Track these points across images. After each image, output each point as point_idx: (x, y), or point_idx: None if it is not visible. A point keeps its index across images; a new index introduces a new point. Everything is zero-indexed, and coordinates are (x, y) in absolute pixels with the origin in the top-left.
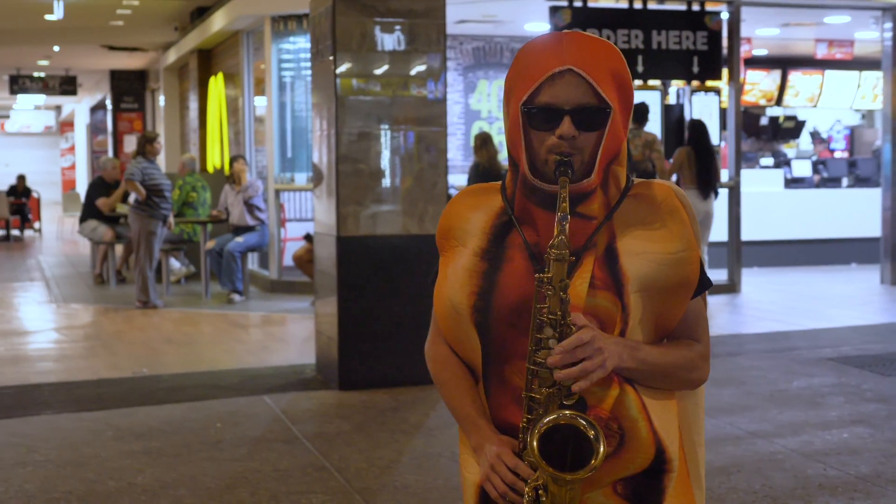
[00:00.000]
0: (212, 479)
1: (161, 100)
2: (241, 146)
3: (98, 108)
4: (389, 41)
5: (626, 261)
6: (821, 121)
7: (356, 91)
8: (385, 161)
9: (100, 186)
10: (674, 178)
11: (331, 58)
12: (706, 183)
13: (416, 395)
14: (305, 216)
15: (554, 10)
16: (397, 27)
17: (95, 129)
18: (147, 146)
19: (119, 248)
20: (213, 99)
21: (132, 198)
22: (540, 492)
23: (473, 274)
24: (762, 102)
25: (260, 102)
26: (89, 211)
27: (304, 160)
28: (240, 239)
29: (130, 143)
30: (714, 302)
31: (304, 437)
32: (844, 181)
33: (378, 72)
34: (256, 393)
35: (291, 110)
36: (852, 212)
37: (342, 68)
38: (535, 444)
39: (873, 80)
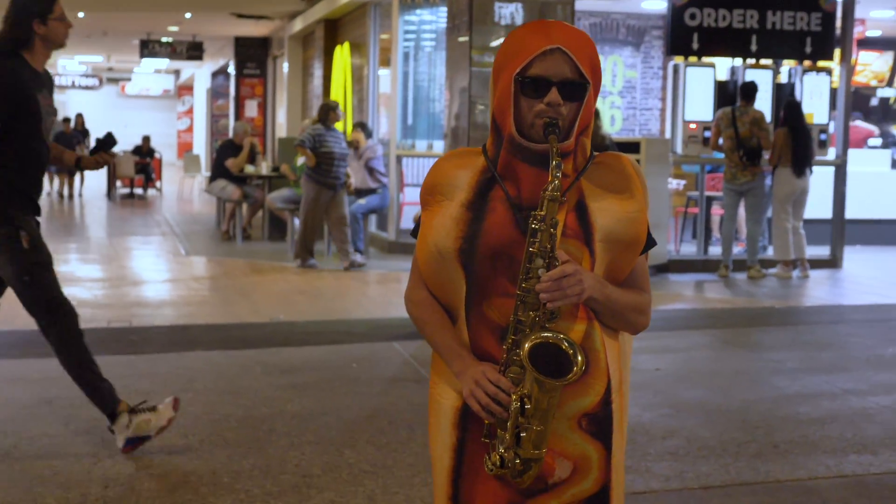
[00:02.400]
0: (354, 410)
1: (285, 67)
2: (364, 113)
3: (219, 73)
4: (520, 18)
5: (594, 214)
6: None
7: (488, 64)
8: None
9: (230, 148)
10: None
11: (466, 33)
12: (802, 161)
13: None
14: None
15: None
16: (528, 5)
17: (216, 94)
18: (330, 113)
19: (245, 207)
20: (337, 67)
21: (301, 161)
22: (525, 399)
23: (460, 222)
24: (873, 83)
25: (384, 72)
26: (219, 171)
27: (424, 128)
28: (362, 201)
29: (251, 108)
30: (816, 276)
31: None
32: None
33: None
34: (386, 340)
35: (414, 80)
36: None
37: (477, 42)
38: (526, 349)
39: None
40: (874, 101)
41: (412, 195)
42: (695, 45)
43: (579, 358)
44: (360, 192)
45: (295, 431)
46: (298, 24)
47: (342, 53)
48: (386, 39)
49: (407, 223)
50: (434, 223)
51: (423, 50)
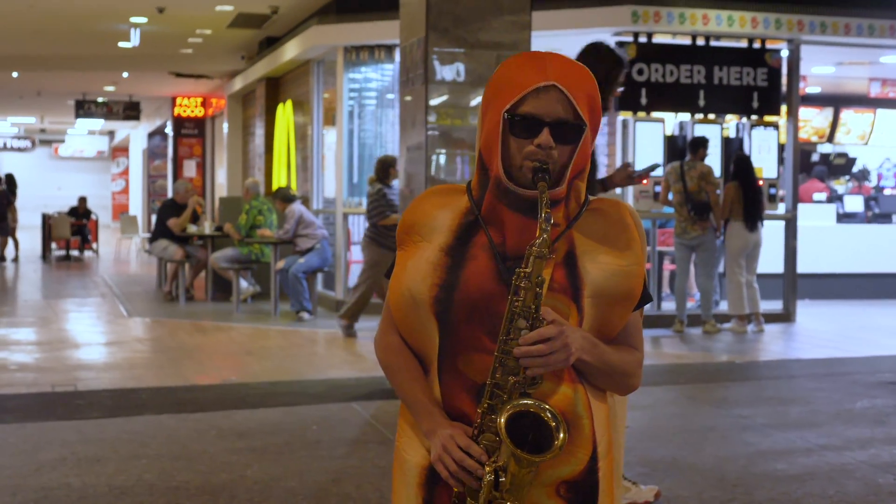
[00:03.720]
0: (318, 474)
1: (224, 126)
2: (308, 172)
3: (156, 133)
4: (476, 70)
5: (584, 268)
6: (870, 158)
7: (446, 118)
8: None
9: (171, 207)
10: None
11: (422, 86)
12: (752, 215)
13: None
14: None
15: (620, 45)
16: (484, 58)
17: (152, 154)
18: (391, 170)
19: (188, 267)
20: (280, 126)
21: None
22: (500, 472)
23: (437, 267)
24: (814, 139)
25: (329, 130)
26: (160, 230)
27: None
28: (301, 260)
29: (190, 168)
30: (770, 330)
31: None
32: (895, 217)
33: (466, 100)
34: (344, 400)
35: (359, 138)
36: None
37: (433, 96)
38: (503, 422)
39: None
40: (815, 157)
41: (359, 253)
42: (643, 101)
43: (561, 434)
44: (302, 252)
45: (258, 498)
46: (238, 83)
47: (285, 111)
48: (330, 97)
49: (355, 281)
50: (409, 266)
51: (367, 107)
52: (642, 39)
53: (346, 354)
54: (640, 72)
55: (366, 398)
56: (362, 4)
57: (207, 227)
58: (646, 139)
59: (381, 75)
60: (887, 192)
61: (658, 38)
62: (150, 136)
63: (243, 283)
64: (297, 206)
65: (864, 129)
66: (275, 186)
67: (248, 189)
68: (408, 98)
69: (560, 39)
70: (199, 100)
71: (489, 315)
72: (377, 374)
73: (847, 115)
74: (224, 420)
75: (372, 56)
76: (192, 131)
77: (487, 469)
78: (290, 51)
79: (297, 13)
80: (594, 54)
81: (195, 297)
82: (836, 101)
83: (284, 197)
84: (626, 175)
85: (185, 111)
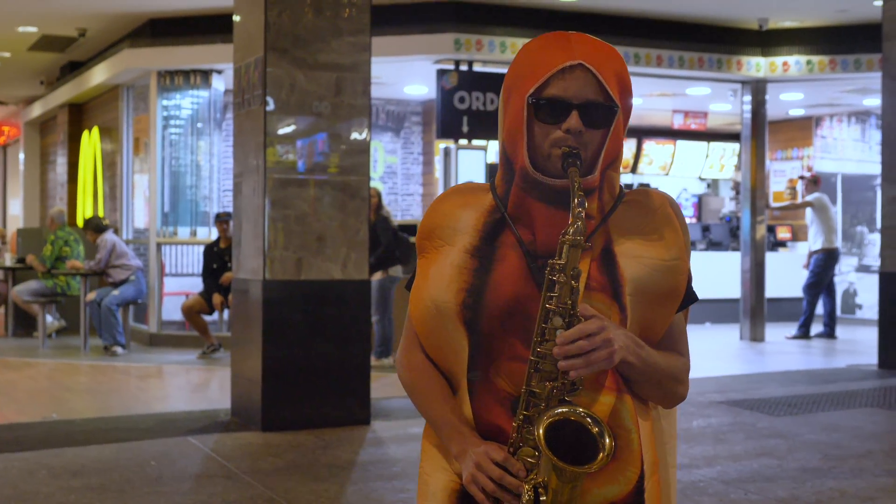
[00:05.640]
0: None
1: (20, 155)
2: (117, 201)
3: None
4: (316, 92)
5: (624, 263)
6: (670, 189)
7: (284, 139)
8: (310, 207)
9: None
10: None
11: (260, 106)
12: None
13: (342, 434)
14: (184, 271)
15: (441, 73)
16: (324, 79)
17: None
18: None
19: None
20: (86, 153)
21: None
22: (540, 490)
23: (464, 271)
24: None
25: (139, 157)
26: None
27: (185, 214)
28: (116, 292)
29: None
30: None
31: (242, 472)
32: (698, 245)
33: (304, 121)
34: (179, 434)
35: (171, 165)
36: (706, 274)
37: (271, 117)
38: (541, 432)
39: (721, 151)
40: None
41: (174, 285)
42: (464, 128)
43: (606, 440)
44: (116, 283)
45: None
46: (37, 109)
47: (90, 139)
48: (141, 124)
49: (169, 314)
50: (431, 273)
51: (181, 134)
52: (464, 67)
53: (171, 388)
54: (462, 100)
55: (202, 431)
56: (177, 28)
57: (8, 259)
58: (468, 167)
59: (193, 102)
60: (686, 221)
61: (478, 67)
62: None
63: (48, 318)
64: (109, 236)
65: (665, 160)
66: (80, 216)
67: (53, 219)
68: (243, 118)
69: (380, 67)
70: None
71: (523, 319)
72: (208, 406)
73: (649, 145)
74: (53, 458)
75: (187, 81)
76: None
77: (526, 487)
78: (99, 75)
79: (106, 36)
80: None
81: None
82: (640, 133)
83: (97, 227)
84: None
85: None
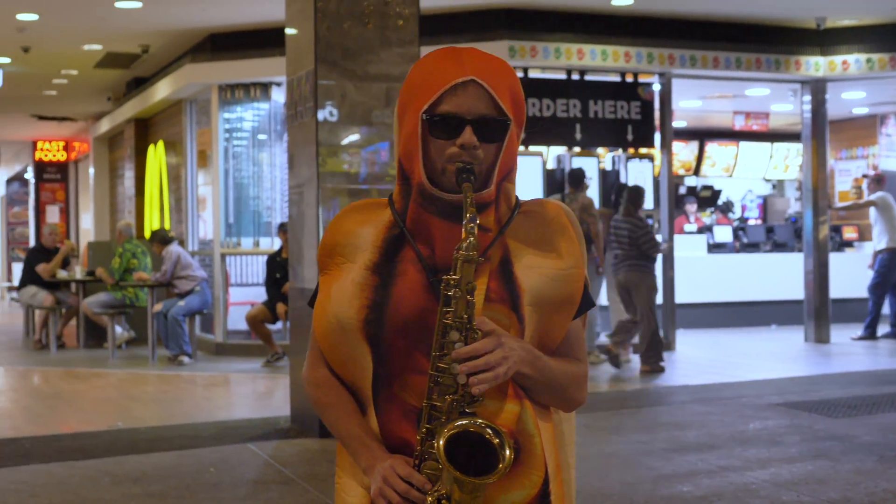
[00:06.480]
0: None
1: (90, 170)
2: (182, 213)
3: (14, 179)
4: (366, 103)
5: (521, 274)
6: (734, 190)
7: (335, 149)
8: None
9: (39, 253)
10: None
11: (311, 118)
12: None
13: None
14: (248, 281)
15: None
16: (374, 90)
17: (11, 201)
18: (639, 200)
19: (58, 314)
20: (151, 167)
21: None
22: (444, 501)
23: (365, 288)
24: (681, 172)
25: (203, 170)
26: (29, 277)
27: (248, 225)
28: (181, 303)
29: (53, 214)
30: None
31: (299, 478)
32: (762, 247)
33: (356, 131)
34: (239, 441)
35: (234, 177)
36: (771, 275)
37: (323, 128)
38: (441, 444)
39: (784, 151)
40: (682, 190)
41: (238, 295)
42: (521, 135)
43: (507, 452)
44: (182, 294)
45: None
46: (105, 125)
47: (156, 153)
48: (204, 137)
49: (234, 323)
50: (333, 290)
51: (242, 146)
52: (519, 74)
53: (234, 396)
54: None
55: (262, 438)
56: (237, 42)
57: (78, 272)
58: (525, 173)
59: (254, 114)
60: (752, 222)
61: (534, 73)
62: (9, 182)
63: (118, 329)
64: (174, 248)
65: (728, 162)
66: (147, 229)
67: (121, 232)
68: (296, 131)
69: None
70: (62, 143)
71: (423, 333)
72: (270, 414)
73: (712, 147)
74: (116, 466)
75: (247, 94)
76: (54, 176)
77: (429, 499)
78: (162, 90)
79: (168, 52)
80: None
81: (66, 345)
82: (702, 135)
83: (162, 239)
84: None
85: (46, 155)
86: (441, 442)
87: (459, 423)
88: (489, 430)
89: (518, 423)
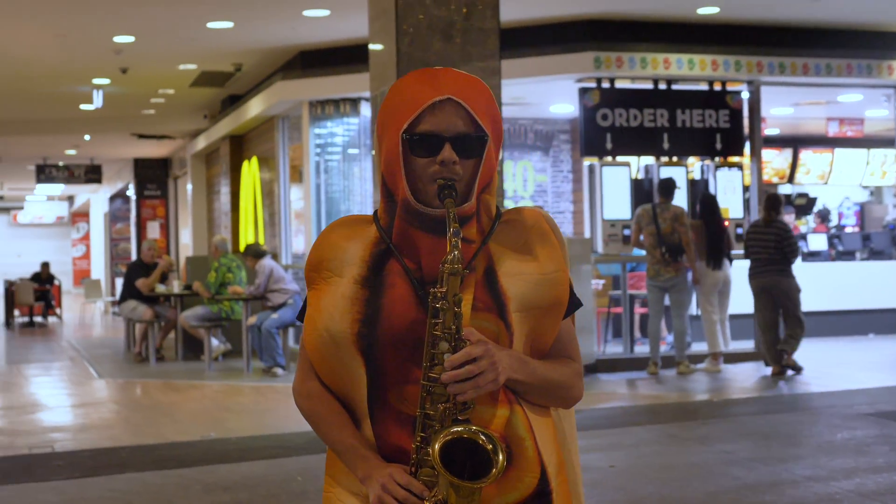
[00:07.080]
0: None
1: (188, 186)
2: (276, 227)
3: (117, 196)
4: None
5: (506, 282)
6: (830, 198)
7: None
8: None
9: (139, 268)
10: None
11: None
12: (715, 254)
13: None
14: None
15: (583, 91)
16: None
17: (114, 218)
18: (778, 206)
19: (157, 328)
20: (246, 183)
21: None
22: None
23: (356, 301)
24: (774, 180)
25: (296, 185)
26: (129, 291)
27: None
28: (274, 315)
29: (153, 230)
30: (744, 368)
31: None
32: (858, 254)
33: None
34: (325, 451)
35: (326, 192)
36: (868, 284)
37: None
38: (436, 450)
39: (881, 157)
40: None
41: None
42: (608, 145)
43: (500, 456)
44: (275, 307)
45: None
46: (202, 142)
47: (250, 168)
48: (296, 153)
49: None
50: (323, 304)
51: (333, 161)
52: (605, 85)
53: None
54: (605, 117)
55: None
56: (326, 59)
57: (176, 287)
58: (613, 183)
59: (344, 129)
60: (848, 230)
61: (620, 84)
62: (112, 199)
63: (214, 341)
64: (267, 262)
65: (823, 169)
66: (242, 243)
67: (217, 246)
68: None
69: (523, 87)
70: (161, 160)
71: (416, 344)
72: None
73: (806, 155)
74: (208, 475)
75: (337, 110)
76: (154, 192)
77: None
78: (255, 107)
79: (260, 70)
80: None
81: (165, 358)
82: (795, 142)
83: (255, 253)
84: None
85: (146, 173)
86: (436, 448)
87: (453, 430)
88: (482, 436)
89: (507, 427)
